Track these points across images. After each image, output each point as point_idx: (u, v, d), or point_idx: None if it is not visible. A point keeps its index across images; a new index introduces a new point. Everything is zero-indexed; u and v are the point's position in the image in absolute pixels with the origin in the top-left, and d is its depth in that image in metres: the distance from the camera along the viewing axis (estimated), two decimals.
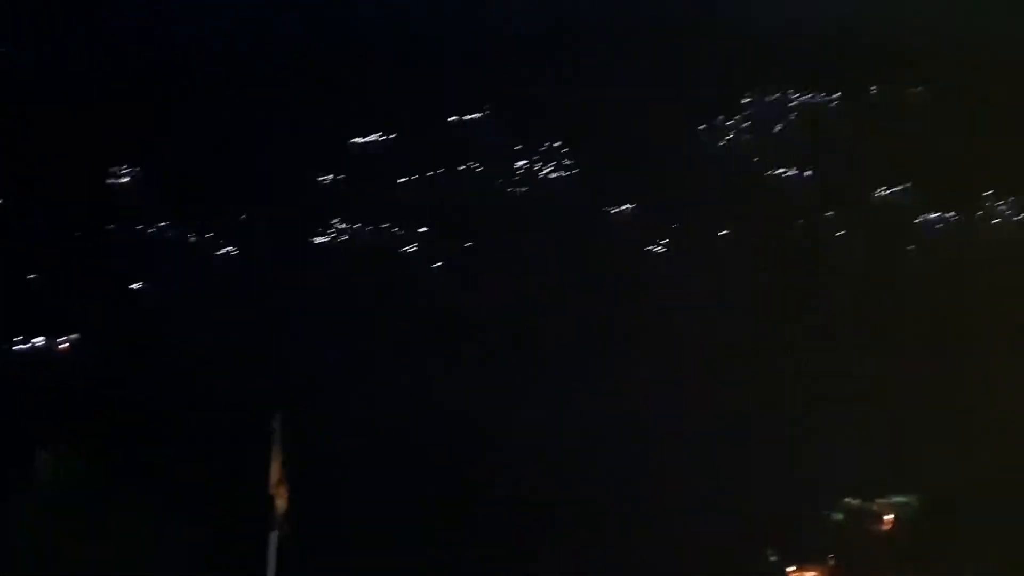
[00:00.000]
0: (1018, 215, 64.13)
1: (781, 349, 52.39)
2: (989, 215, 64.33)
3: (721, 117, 77.91)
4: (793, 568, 40.31)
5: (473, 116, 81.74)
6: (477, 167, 75.32)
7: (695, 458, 45.17)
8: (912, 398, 47.83)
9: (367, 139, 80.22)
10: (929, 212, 64.70)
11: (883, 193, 67.69)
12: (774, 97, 78.76)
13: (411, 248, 65.74)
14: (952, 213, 64.46)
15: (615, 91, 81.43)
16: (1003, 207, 64.32)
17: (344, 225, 68.26)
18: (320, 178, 73.58)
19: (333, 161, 74.54)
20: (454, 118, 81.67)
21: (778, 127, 77.17)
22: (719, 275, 60.94)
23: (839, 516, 43.01)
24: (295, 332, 54.70)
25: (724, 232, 65.43)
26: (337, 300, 59.41)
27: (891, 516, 43.16)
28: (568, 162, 75.12)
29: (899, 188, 67.38)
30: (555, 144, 75.95)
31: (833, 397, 48.37)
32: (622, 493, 42.72)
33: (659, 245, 65.28)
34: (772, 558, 40.31)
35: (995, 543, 39.46)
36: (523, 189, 73.20)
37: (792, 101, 78.45)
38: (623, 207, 69.18)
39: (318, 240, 67.11)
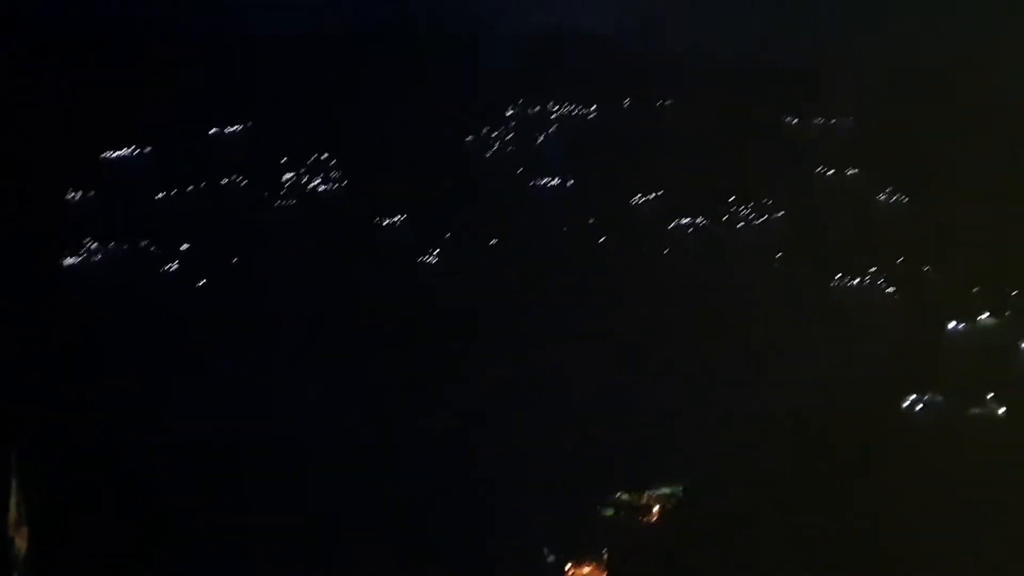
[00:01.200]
0: (759, 219, 68.71)
1: (548, 349, 53.71)
2: (734, 220, 68.50)
3: (486, 129, 79.33)
4: (570, 565, 41.07)
5: (234, 128, 79.10)
6: (241, 181, 72.90)
7: (462, 463, 45.43)
8: (673, 390, 50.16)
9: (120, 152, 76.01)
10: (681, 218, 68.25)
11: (639, 200, 70.89)
12: (535, 109, 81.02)
13: (172, 267, 62.70)
14: (700, 219, 68.28)
15: (381, 102, 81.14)
16: (746, 212, 68.64)
17: (97, 244, 64.40)
18: (69, 195, 69.12)
19: (83, 176, 70.20)
20: (215, 130, 78.76)
21: (540, 138, 79.43)
22: (490, 283, 61.88)
23: (609, 511, 44.23)
24: (41, 360, 50.77)
25: (493, 241, 66.50)
26: (89, 325, 55.72)
27: (658, 507, 44.66)
28: (336, 174, 74.13)
29: (652, 196, 70.79)
30: (322, 157, 74.75)
31: (595, 391, 50.01)
32: (392, 498, 42.32)
33: (431, 255, 65.46)
34: (549, 558, 40.90)
35: (761, 526, 41.85)
36: (291, 202, 71.54)
37: (552, 113, 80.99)
38: (394, 218, 68.97)
39: (68, 261, 62.91)
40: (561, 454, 45.73)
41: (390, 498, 42.41)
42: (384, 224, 68.71)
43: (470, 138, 78.46)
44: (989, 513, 41.91)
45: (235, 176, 72.60)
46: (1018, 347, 54.97)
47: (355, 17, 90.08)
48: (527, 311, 57.96)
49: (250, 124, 78.64)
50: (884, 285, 60.84)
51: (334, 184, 73.38)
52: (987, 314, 57.02)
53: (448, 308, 58.54)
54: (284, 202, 71.50)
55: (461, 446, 46.21)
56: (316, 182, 73.41)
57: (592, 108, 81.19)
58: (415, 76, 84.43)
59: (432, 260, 64.79)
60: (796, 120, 79.05)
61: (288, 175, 73.31)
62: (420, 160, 74.89)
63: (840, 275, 61.21)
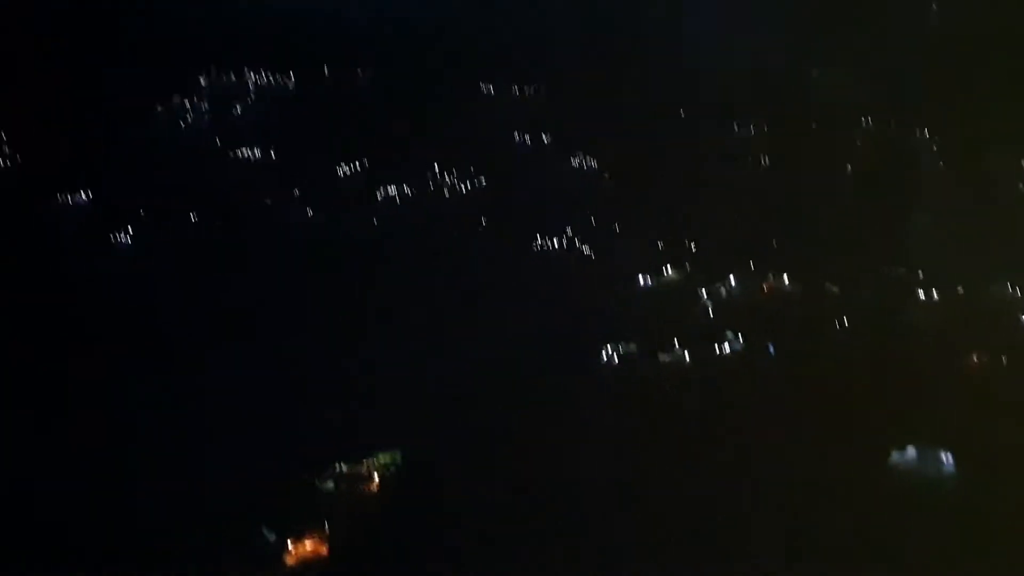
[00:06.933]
0: (461, 186, 70.05)
1: (256, 324, 52.27)
2: (441, 186, 69.43)
3: (179, 97, 75.15)
4: (291, 543, 40.28)
5: None
6: None
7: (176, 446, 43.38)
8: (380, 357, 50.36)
9: None
10: (387, 186, 68.27)
11: (343, 171, 70.11)
12: (231, 79, 77.77)
13: None
14: (407, 187, 68.62)
15: (68, 74, 74.84)
16: (451, 180, 69.67)
17: None
18: None
19: None
20: None
21: (238, 108, 76.29)
22: (190, 261, 59.18)
23: (329, 484, 43.67)
24: None
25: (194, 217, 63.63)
26: None
27: (378, 475, 44.65)
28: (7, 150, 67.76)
29: (356, 166, 70.21)
30: None
31: (304, 364, 49.27)
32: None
33: (123, 236, 61.57)
34: (270, 537, 39.90)
35: (479, 483, 42.65)
36: None
37: (251, 83, 78.07)
38: (74, 197, 64.18)
39: None
40: (275, 430, 44.58)
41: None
42: (65, 203, 63.79)
43: (160, 108, 74.11)
44: (682, 453, 45.53)
45: None
46: (699, 296, 60.09)
47: None
48: (233, 287, 55.99)
49: None
50: (579, 244, 64.07)
51: (6, 161, 67.14)
52: (671, 269, 61.77)
53: (145, 290, 55.32)
54: None
55: (174, 428, 44.05)
56: None
57: (290, 77, 79.15)
58: (99, 44, 78.46)
59: (126, 241, 60.97)
60: (491, 88, 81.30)
61: None
62: (99, 133, 69.99)
63: (539, 236, 63.74)
